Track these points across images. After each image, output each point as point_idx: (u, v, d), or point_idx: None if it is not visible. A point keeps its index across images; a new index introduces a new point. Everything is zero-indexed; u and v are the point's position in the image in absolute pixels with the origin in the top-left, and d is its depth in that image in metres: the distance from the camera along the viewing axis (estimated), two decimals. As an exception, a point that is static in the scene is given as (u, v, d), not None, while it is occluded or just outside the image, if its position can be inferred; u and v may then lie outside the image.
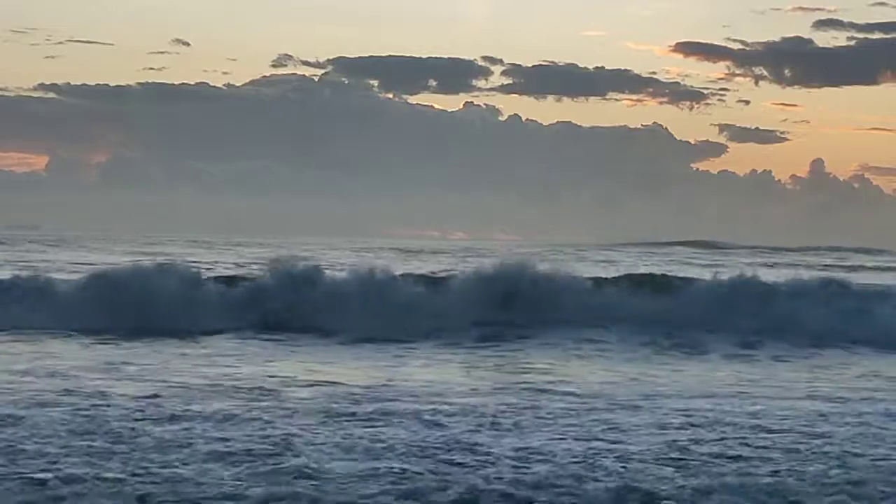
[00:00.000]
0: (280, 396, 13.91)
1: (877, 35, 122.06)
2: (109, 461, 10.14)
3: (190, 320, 21.62)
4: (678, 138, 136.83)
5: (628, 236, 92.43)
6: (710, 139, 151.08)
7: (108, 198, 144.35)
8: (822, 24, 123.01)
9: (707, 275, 27.31)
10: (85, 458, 10.24)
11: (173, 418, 12.22)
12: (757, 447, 11.29)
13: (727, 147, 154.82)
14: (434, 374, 16.82)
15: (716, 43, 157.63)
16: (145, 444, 10.85)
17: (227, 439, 11.15)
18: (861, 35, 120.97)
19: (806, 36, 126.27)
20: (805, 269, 47.11)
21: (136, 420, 12.06)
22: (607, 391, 15.00)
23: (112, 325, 21.08)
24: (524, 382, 15.82)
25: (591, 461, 10.55)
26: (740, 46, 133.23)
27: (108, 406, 12.87)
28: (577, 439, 11.56)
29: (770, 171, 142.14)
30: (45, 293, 23.28)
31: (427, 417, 12.59)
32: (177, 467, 9.97)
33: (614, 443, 11.42)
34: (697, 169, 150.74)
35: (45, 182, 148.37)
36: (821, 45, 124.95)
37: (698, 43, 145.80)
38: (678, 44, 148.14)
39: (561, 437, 11.66)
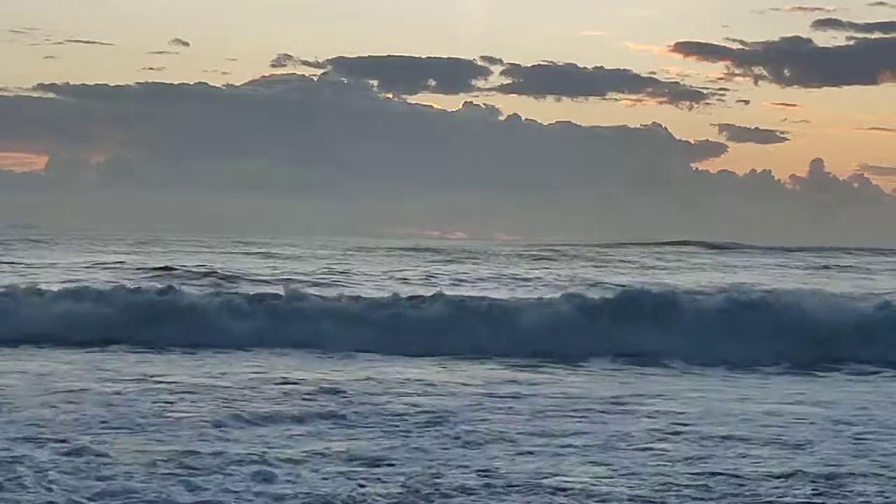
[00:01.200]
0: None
1: (876, 35, 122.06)
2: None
3: None
4: (678, 138, 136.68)
5: (628, 236, 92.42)
6: (710, 139, 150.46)
7: (108, 198, 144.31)
8: (821, 24, 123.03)
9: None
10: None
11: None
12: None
13: (727, 147, 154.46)
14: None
15: (715, 43, 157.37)
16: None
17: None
18: (860, 35, 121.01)
19: (805, 36, 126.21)
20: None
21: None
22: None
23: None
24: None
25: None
26: (739, 46, 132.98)
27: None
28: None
29: (770, 171, 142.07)
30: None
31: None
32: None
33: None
34: (697, 169, 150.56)
35: (44, 182, 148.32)
36: (820, 45, 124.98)
37: (697, 43, 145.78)
38: (677, 44, 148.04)
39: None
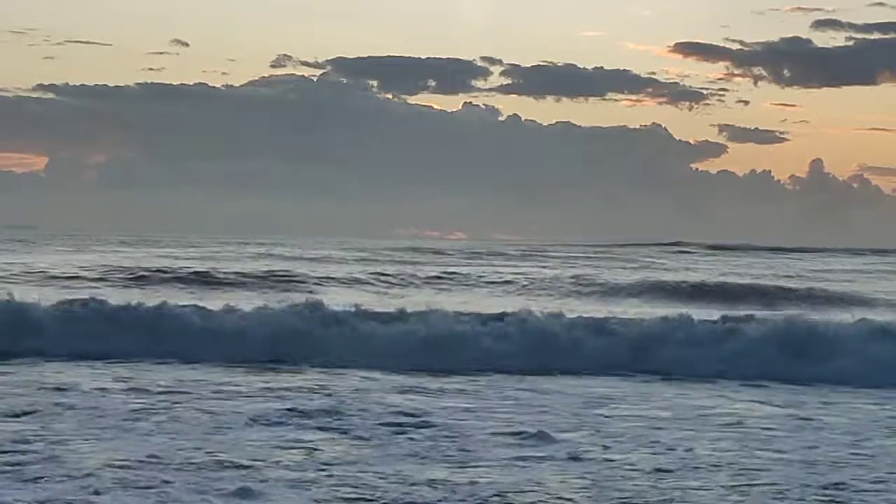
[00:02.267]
0: None
1: (875, 35, 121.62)
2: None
3: None
4: (677, 138, 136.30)
5: (628, 236, 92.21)
6: (710, 139, 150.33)
7: (108, 198, 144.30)
8: (820, 25, 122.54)
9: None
10: None
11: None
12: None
13: (726, 147, 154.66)
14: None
15: (715, 43, 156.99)
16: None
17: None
18: (860, 35, 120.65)
19: (804, 36, 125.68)
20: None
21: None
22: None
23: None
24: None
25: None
26: (739, 47, 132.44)
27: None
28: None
29: (769, 171, 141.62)
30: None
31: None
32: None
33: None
34: (697, 169, 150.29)
35: (44, 182, 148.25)
36: (819, 46, 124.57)
37: (697, 43, 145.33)
38: (677, 44, 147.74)
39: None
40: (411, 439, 12.12)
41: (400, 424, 12.93)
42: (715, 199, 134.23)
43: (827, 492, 10.13)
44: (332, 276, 38.55)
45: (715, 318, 21.57)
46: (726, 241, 78.88)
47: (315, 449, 11.45)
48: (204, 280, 35.07)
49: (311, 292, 31.23)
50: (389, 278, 38.81)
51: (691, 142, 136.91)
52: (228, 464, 10.67)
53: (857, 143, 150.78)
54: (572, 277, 39.88)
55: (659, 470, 10.84)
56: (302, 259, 50.03)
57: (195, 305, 22.43)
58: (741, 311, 29.21)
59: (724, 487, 10.19)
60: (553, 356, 19.26)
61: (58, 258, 45.12)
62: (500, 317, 21.52)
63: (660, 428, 13.15)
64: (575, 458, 11.29)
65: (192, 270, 37.55)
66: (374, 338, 20.30)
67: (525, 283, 38.43)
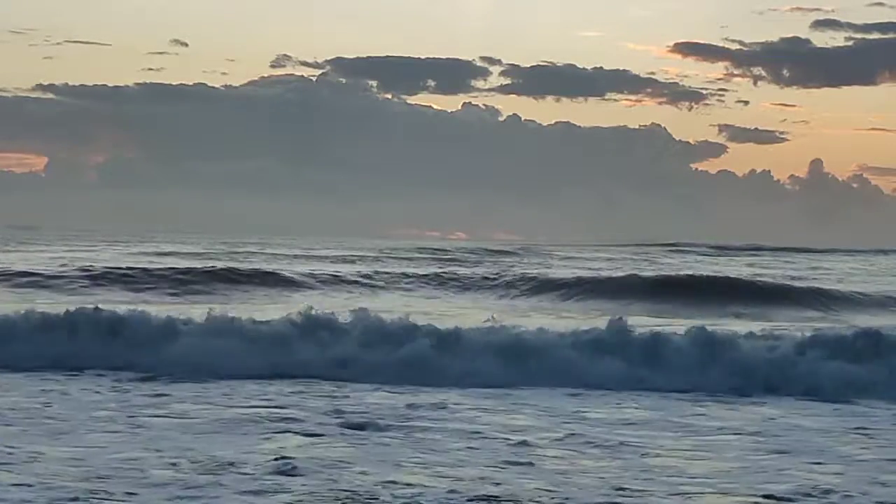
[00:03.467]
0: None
1: (875, 35, 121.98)
2: None
3: None
4: (677, 138, 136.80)
5: (627, 236, 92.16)
6: (710, 139, 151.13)
7: (107, 198, 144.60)
8: (819, 25, 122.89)
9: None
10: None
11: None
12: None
13: (726, 147, 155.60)
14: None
15: (714, 43, 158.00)
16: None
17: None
18: (859, 35, 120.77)
19: (804, 36, 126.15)
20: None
21: None
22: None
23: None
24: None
25: None
26: (738, 47, 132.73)
27: None
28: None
29: (769, 171, 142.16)
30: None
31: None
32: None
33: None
34: (697, 169, 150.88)
35: (44, 183, 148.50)
36: (819, 46, 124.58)
37: (697, 43, 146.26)
38: (676, 44, 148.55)
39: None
40: (376, 442, 11.81)
41: (367, 426, 12.63)
42: (715, 199, 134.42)
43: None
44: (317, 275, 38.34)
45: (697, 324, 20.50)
46: (726, 241, 78.83)
47: (286, 454, 11.07)
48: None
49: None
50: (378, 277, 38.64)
51: (691, 142, 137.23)
52: (199, 470, 10.31)
53: (857, 143, 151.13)
54: (562, 276, 39.65)
55: (621, 477, 10.52)
56: (286, 258, 49.91)
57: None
58: (732, 314, 28.99)
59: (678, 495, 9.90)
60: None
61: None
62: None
63: (630, 434, 12.79)
64: (540, 462, 10.96)
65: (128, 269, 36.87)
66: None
67: (502, 283, 38.13)
